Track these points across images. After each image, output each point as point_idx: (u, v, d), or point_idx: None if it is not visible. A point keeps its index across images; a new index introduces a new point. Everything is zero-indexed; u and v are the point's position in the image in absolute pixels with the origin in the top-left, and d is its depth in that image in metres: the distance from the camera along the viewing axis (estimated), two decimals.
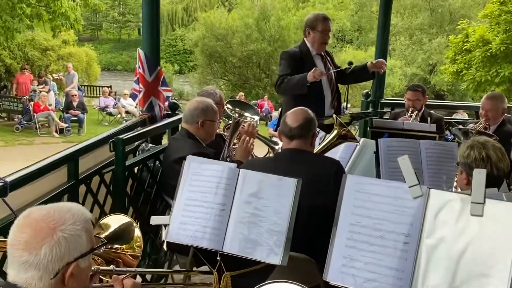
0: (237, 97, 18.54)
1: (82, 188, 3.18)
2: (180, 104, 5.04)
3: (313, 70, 4.21)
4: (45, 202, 2.16)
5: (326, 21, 4.40)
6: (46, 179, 2.83)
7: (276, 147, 3.75)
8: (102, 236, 1.96)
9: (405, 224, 1.69)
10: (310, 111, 2.84)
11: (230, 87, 26.43)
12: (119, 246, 2.07)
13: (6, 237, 1.49)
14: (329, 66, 4.53)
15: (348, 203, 1.79)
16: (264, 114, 18.68)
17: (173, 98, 4.91)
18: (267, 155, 3.86)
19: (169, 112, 4.66)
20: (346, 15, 29.67)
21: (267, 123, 17.78)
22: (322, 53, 4.52)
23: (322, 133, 3.65)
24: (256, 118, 3.65)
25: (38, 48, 20.58)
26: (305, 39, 4.49)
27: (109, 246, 2.04)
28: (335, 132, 3.30)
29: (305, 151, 2.71)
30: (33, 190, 2.71)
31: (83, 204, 3.11)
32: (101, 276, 1.87)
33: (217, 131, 3.65)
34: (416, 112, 4.71)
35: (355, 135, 3.43)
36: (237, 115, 3.61)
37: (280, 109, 4.96)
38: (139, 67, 4.49)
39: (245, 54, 25.12)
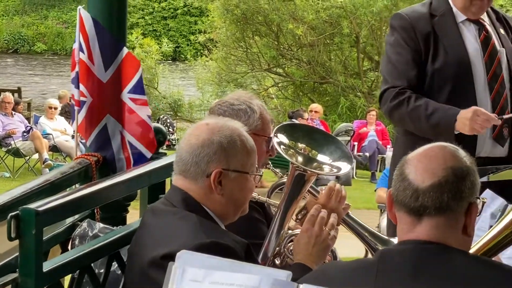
0: (307, 116, 16.24)
1: None
2: (171, 129, 4.95)
3: (472, 110, 4.23)
4: None
5: None
6: None
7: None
8: None
9: None
10: (462, 152, 2.69)
11: (290, 91, 24.64)
12: None
13: None
14: (499, 45, 4.56)
15: None
16: (367, 154, 16.93)
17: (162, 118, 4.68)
18: (366, 256, 3.60)
19: (141, 152, 4.65)
20: None
21: (373, 175, 16.08)
22: (481, 19, 4.56)
23: (498, 203, 3.59)
24: (346, 169, 3.50)
25: None
26: None
27: None
28: None
29: (450, 248, 2.57)
30: None
31: None
32: None
33: (253, 195, 3.48)
34: None
35: None
36: (300, 159, 3.52)
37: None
38: (80, 49, 4.40)
39: (324, 16, 22.66)
